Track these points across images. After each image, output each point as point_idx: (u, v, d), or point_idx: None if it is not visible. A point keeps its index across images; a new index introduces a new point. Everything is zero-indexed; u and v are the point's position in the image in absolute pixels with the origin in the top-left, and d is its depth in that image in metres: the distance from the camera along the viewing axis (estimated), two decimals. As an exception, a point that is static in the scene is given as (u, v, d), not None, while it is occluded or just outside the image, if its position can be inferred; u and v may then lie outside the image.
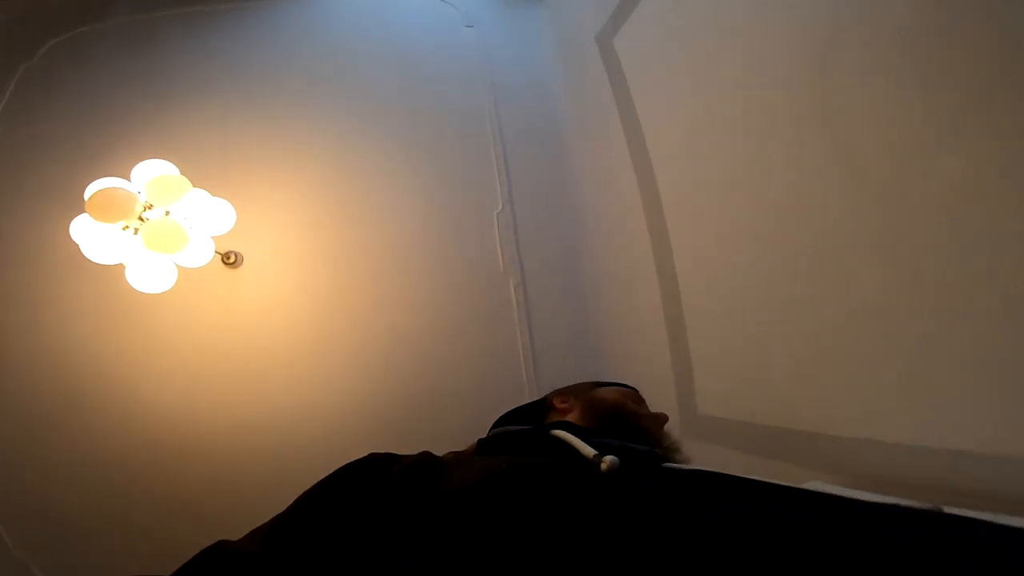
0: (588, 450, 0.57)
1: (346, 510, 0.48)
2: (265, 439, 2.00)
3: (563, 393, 0.89)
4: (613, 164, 2.05)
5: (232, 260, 2.04)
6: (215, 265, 2.00)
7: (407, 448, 1.76)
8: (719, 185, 1.58)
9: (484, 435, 0.80)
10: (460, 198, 2.25)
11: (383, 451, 0.60)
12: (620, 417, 0.81)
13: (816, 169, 1.26)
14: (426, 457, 0.57)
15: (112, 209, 1.56)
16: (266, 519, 0.52)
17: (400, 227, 2.20)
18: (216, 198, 1.82)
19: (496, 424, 0.87)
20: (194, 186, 1.74)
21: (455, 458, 0.64)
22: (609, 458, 0.52)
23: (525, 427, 0.73)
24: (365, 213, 2.20)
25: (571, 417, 0.82)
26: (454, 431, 2.02)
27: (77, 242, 1.63)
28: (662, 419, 0.87)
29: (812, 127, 1.27)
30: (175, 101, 2.24)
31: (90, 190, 1.62)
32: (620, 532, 0.39)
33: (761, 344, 1.43)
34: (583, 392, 0.88)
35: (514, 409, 0.89)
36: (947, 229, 1.02)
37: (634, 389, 0.94)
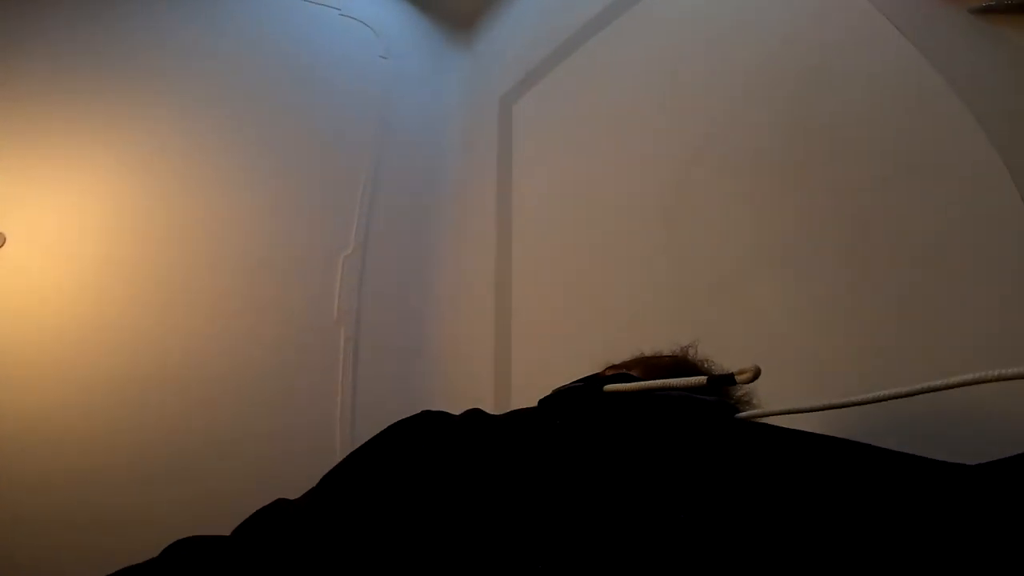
0: (694, 379, 0.49)
1: (397, 467, 0.45)
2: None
3: (615, 367, 0.79)
4: (477, 232, 1.95)
5: None
6: None
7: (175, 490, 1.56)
8: (566, 277, 1.55)
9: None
10: (309, 229, 2.00)
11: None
12: (685, 366, 0.72)
13: (654, 282, 1.28)
14: (478, 414, 0.55)
15: None
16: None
17: (231, 244, 1.90)
18: None
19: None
20: None
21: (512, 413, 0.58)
22: (751, 368, 0.46)
23: (578, 383, 0.62)
24: (188, 218, 1.88)
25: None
26: (239, 479, 1.73)
27: None
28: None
29: (656, 233, 1.31)
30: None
31: None
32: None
33: None
34: (637, 360, 0.78)
35: (567, 384, 0.75)
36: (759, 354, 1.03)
37: (693, 349, 0.84)
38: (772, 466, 0.37)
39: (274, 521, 0.44)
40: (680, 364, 0.75)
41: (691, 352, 0.79)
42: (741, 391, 0.72)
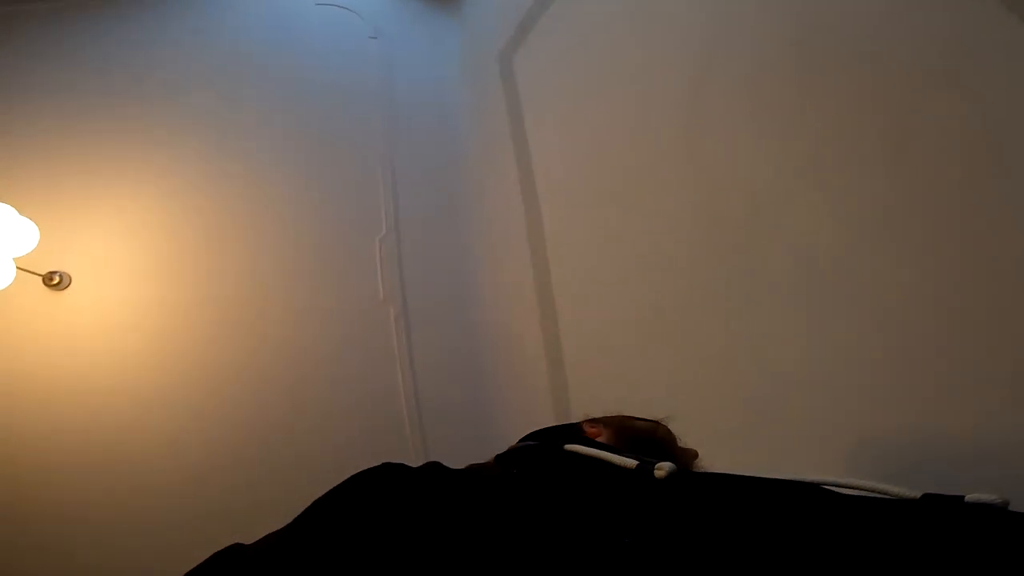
0: (625, 461, 0.55)
1: (359, 517, 0.47)
2: (108, 463, 1.74)
3: (594, 421, 0.87)
4: (502, 192, 1.96)
5: (56, 282, 1.81)
6: (35, 286, 1.78)
7: (256, 490, 1.68)
8: (597, 222, 1.55)
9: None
10: (341, 219, 2.06)
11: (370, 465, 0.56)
12: (653, 443, 0.80)
13: (680, 211, 1.27)
14: (435, 468, 0.56)
15: None
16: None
17: (272, 245, 1.99)
18: (18, 216, 1.62)
19: (520, 441, 0.83)
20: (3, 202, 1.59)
21: (469, 468, 0.66)
22: (667, 464, 0.51)
23: (534, 443, 0.72)
24: (229, 229, 1.97)
25: (600, 440, 0.79)
26: (317, 472, 1.84)
27: None
28: (692, 453, 0.86)
29: (679, 164, 1.28)
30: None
31: None
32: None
33: (632, 376, 1.40)
34: (614, 420, 0.86)
35: (541, 429, 0.84)
36: (803, 278, 1.01)
37: (666, 426, 0.92)
38: (692, 509, 0.46)
39: (232, 568, 0.45)
40: (648, 437, 0.82)
41: (661, 430, 0.85)
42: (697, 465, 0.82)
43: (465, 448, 1.80)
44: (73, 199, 1.87)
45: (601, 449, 0.61)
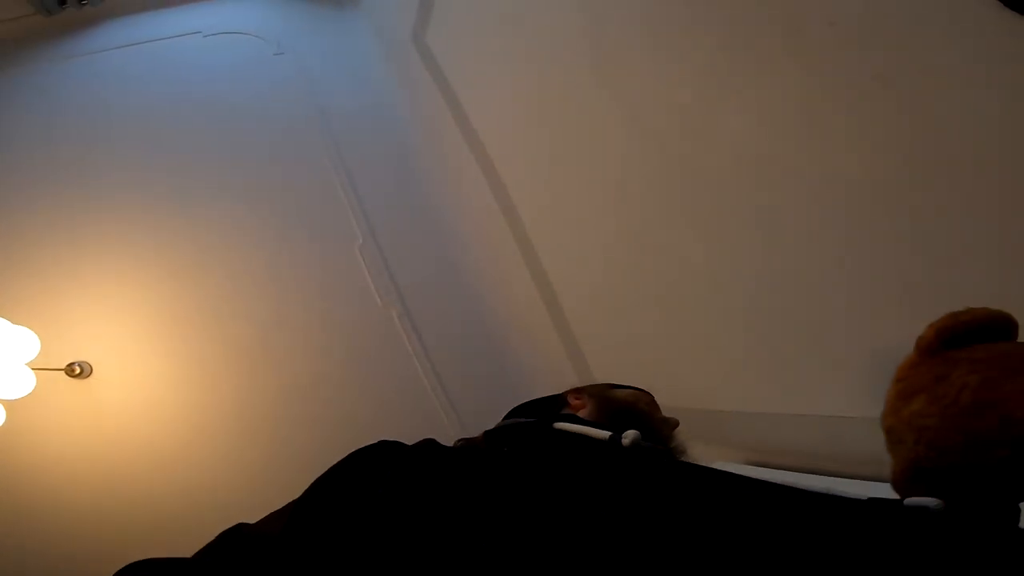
0: (601, 433, 0.61)
1: (357, 495, 0.49)
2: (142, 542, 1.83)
3: (578, 391, 0.89)
4: (458, 166, 1.99)
5: (78, 372, 1.91)
6: (59, 380, 1.87)
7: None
8: (550, 165, 1.59)
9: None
10: (316, 241, 2.10)
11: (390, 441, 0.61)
12: (632, 414, 0.82)
13: (613, 137, 1.29)
14: (429, 445, 0.59)
15: None
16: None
17: (259, 290, 2.03)
18: (12, 326, 1.70)
19: (508, 415, 0.86)
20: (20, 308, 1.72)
21: (461, 444, 0.70)
22: (631, 432, 0.57)
23: (529, 420, 0.75)
24: (213, 285, 2.01)
25: (583, 413, 0.82)
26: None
27: None
28: (673, 423, 0.89)
29: (600, 96, 1.29)
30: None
31: None
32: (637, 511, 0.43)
33: (622, 304, 1.47)
34: (597, 390, 0.88)
35: (529, 402, 0.88)
36: (747, 195, 1.04)
37: (649, 393, 0.95)
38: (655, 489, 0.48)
39: (237, 547, 0.47)
40: (628, 408, 0.85)
41: (642, 400, 0.89)
42: (676, 442, 0.85)
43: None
44: (72, 293, 1.93)
45: (583, 425, 0.67)
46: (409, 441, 0.61)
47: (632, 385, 0.95)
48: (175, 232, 2.03)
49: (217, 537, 0.49)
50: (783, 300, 1.06)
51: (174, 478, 1.89)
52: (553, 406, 0.88)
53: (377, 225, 2.14)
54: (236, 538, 0.48)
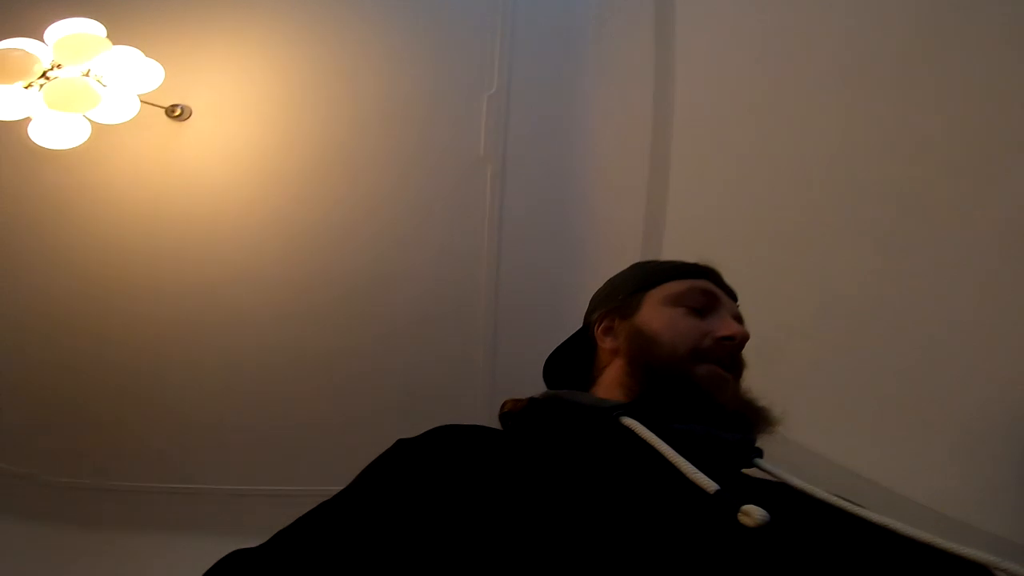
0: (704, 480, 0.43)
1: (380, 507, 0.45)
2: (203, 293, 1.95)
3: (607, 312, 0.68)
4: (630, 77, 1.82)
5: (178, 114, 1.92)
6: (160, 119, 1.91)
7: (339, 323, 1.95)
8: (735, 140, 1.48)
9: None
10: (452, 70, 1.98)
11: (407, 438, 0.53)
12: (675, 379, 0.58)
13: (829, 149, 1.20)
14: (446, 436, 0.51)
15: (5, 70, 1.57)
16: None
17: (379, 91, 1.96)
18: (143, 58, 1.73)
19: (547, 366, 0.72)
20: (129, 45, 1.70)
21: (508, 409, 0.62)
22: (757, 512, 0.39)
23: (582, 401, 0.59)
24: (339, 73, 1.94)
25: (617, 367, 0.63)
26: (397, 315, 2.01)
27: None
28: (730, 349, 0.61)
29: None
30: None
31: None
32: None
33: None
34: (627, 312, 0.66)
35: (561, 347, 0.71)
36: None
37: (702, 271, 0.69)
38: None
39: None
40: (677, 374, 0.60)
41: (699, 337, 0.62)
42: (753, 404, 0.63)
43: (534, 315, 1.96)
44: (194, 38, 1.90)
45: (646, 420, 0.51)
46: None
47: (684, 265, 0.69)
48: (322, 15, 1.95)
49: (217, 562, 0.44)
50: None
51: (237, 235, 1.97)
52: (585, 347, 0.70)
53: (516, 84, 2.00)
54: (236, 562, 0.43)
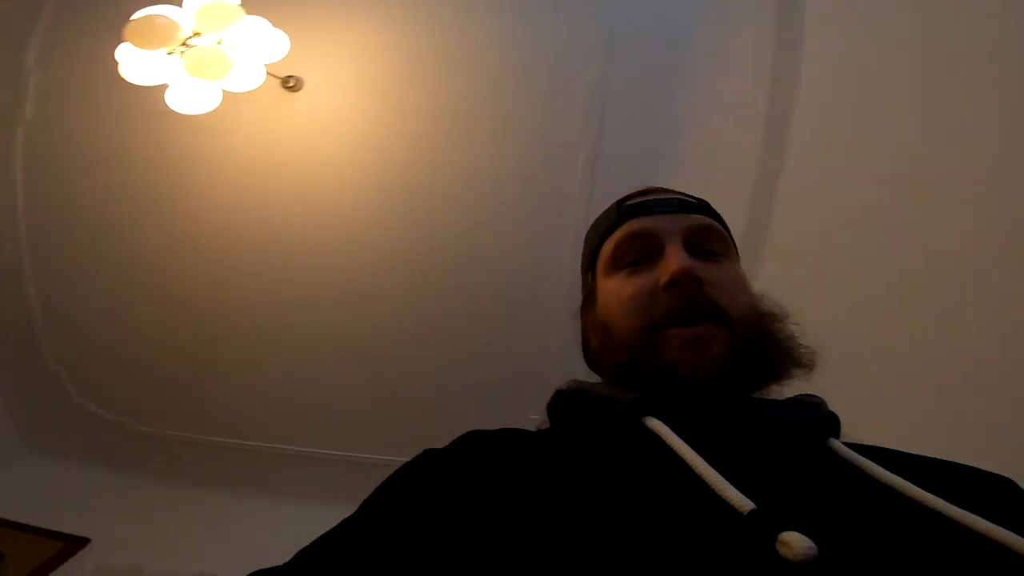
0: (735, 496, 0.34)
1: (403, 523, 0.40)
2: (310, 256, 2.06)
3: (581, 306, 0.58)
4: (743, 77, 1.77)
5: (292, 84, 1.99)
6: (274, 89, 1.98)
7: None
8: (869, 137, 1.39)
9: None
10: (556, 52, 1.98)
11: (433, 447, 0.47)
12: (648, 372, 0.46)
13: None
14: (473, 444, 0.45)
15: (151, 36, 1.60)
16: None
17: (485, 69, 1.98)
18: (272, 28, 1.76)
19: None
20: (256, 14, 1.72)
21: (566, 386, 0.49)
22: (799, 542, 0.29)
23: (600, 394, 0.48)
24: (443, 50, 1.97)
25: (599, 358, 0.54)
26: (480, 292, 2.06)
27: (121, 64, 1.66)
28: (684, 293, 0.46)
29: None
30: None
31: (134, 17, 1.61)
32: None
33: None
34: (589, 302, 0.55)
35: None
36: None
37: (631, 209, 0.53)
38: None
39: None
40: (630, 364, 0.49)
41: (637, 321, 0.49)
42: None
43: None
44: (309, 10, 1.95)
45: (670, 420, 0.40)
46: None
47: (611, 211, 0.56)
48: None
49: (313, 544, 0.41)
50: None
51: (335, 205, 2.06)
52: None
53: (615, 71, 1.97)
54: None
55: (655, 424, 0.40)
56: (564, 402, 0.49)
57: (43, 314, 2.17)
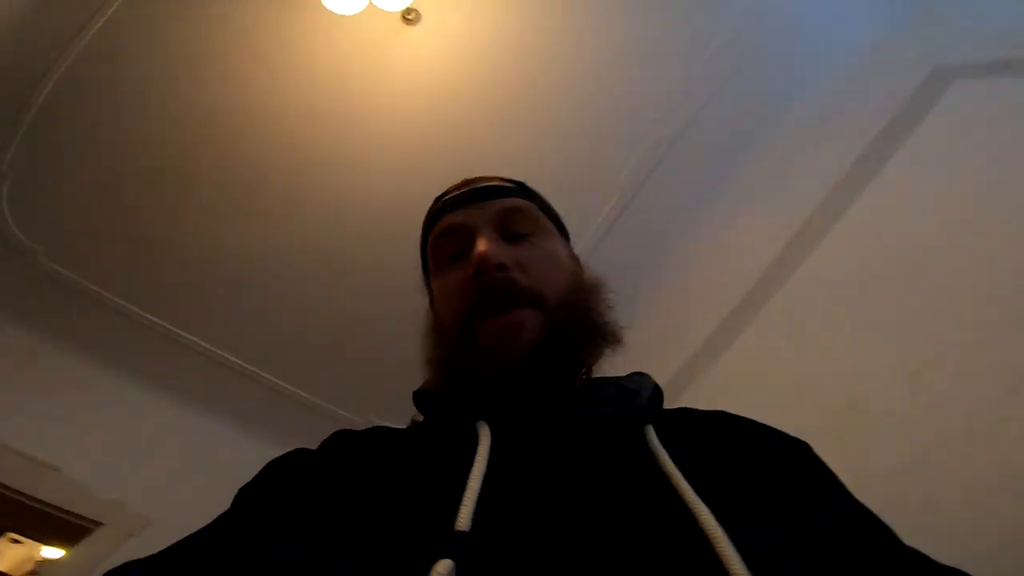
0: (465, 519, 0.32)
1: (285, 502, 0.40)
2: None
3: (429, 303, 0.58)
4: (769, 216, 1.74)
5: (412, 17, 1.96)
6: (393, 20, 1.95)
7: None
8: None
9: None
10: (671, 24, 1.97)
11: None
12: (456, 366, 0.47)
13: None
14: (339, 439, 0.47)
15: None
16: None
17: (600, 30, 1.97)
18: None
19: None
20: None
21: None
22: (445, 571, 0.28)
23: (438, 396, 0.50)
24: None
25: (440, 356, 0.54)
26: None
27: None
28: (488, 284, 0.46)
29: None
30: None
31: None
32: None
33: None
34: (430, 303, 0.56)
35: None
36: None
37: (445, 206, 0.54)
38: None
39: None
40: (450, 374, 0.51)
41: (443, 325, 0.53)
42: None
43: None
44: None
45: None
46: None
47: (431, 208, 0.57)
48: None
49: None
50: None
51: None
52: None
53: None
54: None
55: (482, 431, 0.39)
56: (416, 401, 0.50)
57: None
